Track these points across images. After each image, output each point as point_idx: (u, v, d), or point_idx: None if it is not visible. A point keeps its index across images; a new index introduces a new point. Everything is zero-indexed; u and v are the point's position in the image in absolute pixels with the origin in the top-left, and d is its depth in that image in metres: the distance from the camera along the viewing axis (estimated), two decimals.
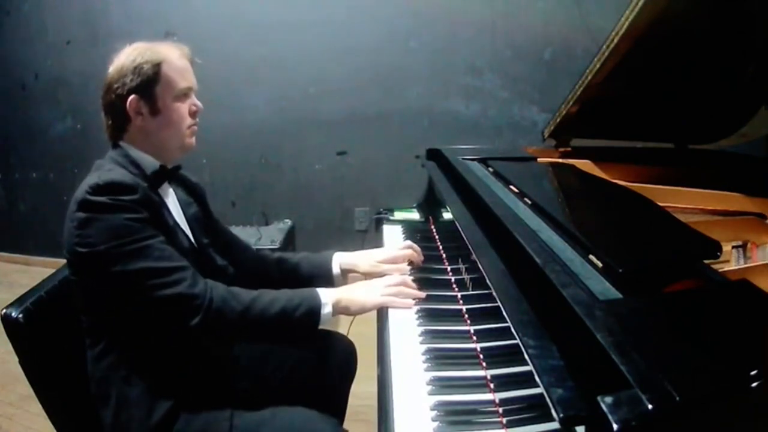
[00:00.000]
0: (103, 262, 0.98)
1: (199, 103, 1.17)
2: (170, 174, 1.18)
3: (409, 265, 1.32)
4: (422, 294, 1.15)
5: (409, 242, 1.35)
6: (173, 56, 1.11)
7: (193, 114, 1.15)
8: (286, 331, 1.09)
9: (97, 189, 0.99)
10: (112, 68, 1.11)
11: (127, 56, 1.10)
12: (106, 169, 1.06)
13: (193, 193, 1.29)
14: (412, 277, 1.23)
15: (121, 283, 0.99)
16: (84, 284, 1.04)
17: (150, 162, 1.13)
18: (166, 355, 1.06)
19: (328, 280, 1.32)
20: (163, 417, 1.03)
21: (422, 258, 1.34)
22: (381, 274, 1.25)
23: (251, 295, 1.05)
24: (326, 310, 1.09)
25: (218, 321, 1.01)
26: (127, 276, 0.98)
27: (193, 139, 1.17)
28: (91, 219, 0.99)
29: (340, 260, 1.33)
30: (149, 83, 1.08)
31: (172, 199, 1.20)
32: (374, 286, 1.17)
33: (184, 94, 1.13)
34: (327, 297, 1.10)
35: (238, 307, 1.02)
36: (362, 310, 1.14)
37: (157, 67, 1.09)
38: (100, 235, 0.98)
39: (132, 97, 1.08)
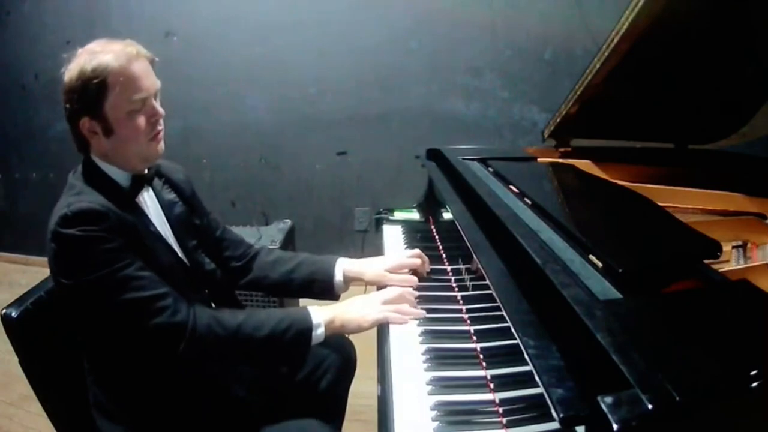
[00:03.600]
0: (81, 295, 0.97)
1: (159, 110, 1.06)
2: (146, 181, 1.12)
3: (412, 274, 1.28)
4: (422, 312, 1.11)
5: (418, 251, 1.31)
6: (121, 63, 1.00)
7: (152, 124, 1.05)
8: (276, 354, 1.07)
9: (66, 220, 0.94)
10: (64, 82, 1.03)
11: (74, 70, 1.01)
12: (75, 192, 1.01)
13: (177, 190, 1.22)
14: (411, 289, 1.19)
15: (102, 314, 0.97)
16: (73, 307, 1.03)
17: (121, 175, 1.07)
18: (159, 369, 1.04)
19: (328, 286, 1.29)
20: (161, 428, 1.03)
21: (428, 269, 1.29)
22: (386, 283, 1.23)
23: (237, 320, 1.02)
24: (318, 331, 1.06)
25: (203, 349, 0.99)
26: (107, 308, 0.96)
27: (159, 146, 1.08)
28: (64, 252, 0.96)
29: (344, 267, 1.29)
30: (97, 101, 1.00)
31: (152, 205, 1.14)
32: (371, 302, 1.12)
33: (138, 108, 1.02)
34: (319, 317, 1.06)
35: (223, 333, 0.99)
36: (359, 330, 1.10)
37: (103, 82, 0.98)
38: (75, 269, 0.95)
39: (83, 119, 1.02)
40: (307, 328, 1.05)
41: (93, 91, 0.99)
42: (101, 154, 1.06)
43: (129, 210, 1.04)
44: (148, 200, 1.14)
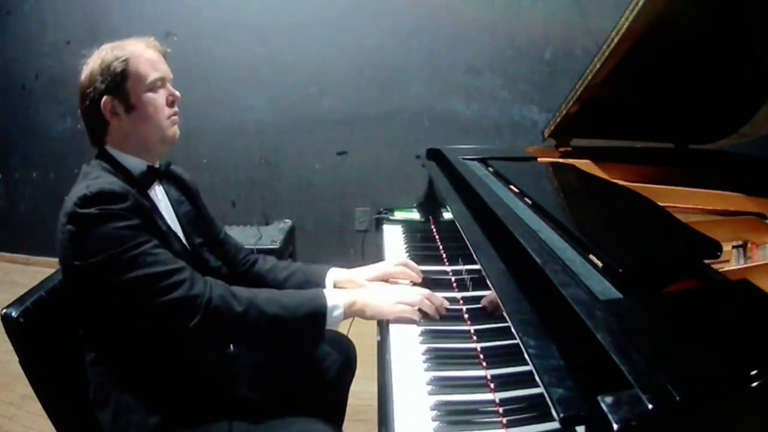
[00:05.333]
0: (99, 274, 0.97)
1: (176, 92, 1.14)
2: (159, 174, 1.16)
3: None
4: (443, 311, 1.09)
5: (404, 260, 1.30)
6: (140, 49, 1.09)
7: (170, 103, 1.13)
8: (289, 331, 1.05)
9: (85, 200, 0.96)
10: (83, 75, 1.09)
11: (95, 60, 1.08)
12: (93, 177, 1.03)
13: (185, 190, 1.26)
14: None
15: (120, 294, 0.97)
16: (78, 294, 1.03)
17: (136, 164, 1.11)
18: (162, 364, 1.05)
19: None
20: (161, 425, 1.03)
21: (419, 279, 1.26)
22: None
23: (251, 294, 1.03)
24: (336, 312, 1.05)
25: (217, 321, 0.99)
26: (125, 286, 0.96)
27: (175, 129, 1.14)
28: (82, 232, 0.96)
29: (334, 277, 1.29)
30: (120, 81, 1.07)
31: (163, 200, 1.18)
32: (393, 291, 1.12)
33: (157, 86, 1.10)
34: (338, 299, 1.06)
35: (237, 306, 1.00)
36: (378, 316, 1.09)
37: (124, 63, 1.07)
38: (93, 247, 0.96)
39: (105, 98, 1.06)
40: (321, 306, 1.04)
41: (116, 71, 1.06)
42: (120, 138, 1.10)
43: (143, 198, 1.07)
44: (159, 194, 1.17)
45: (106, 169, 1.07)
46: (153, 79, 1.09)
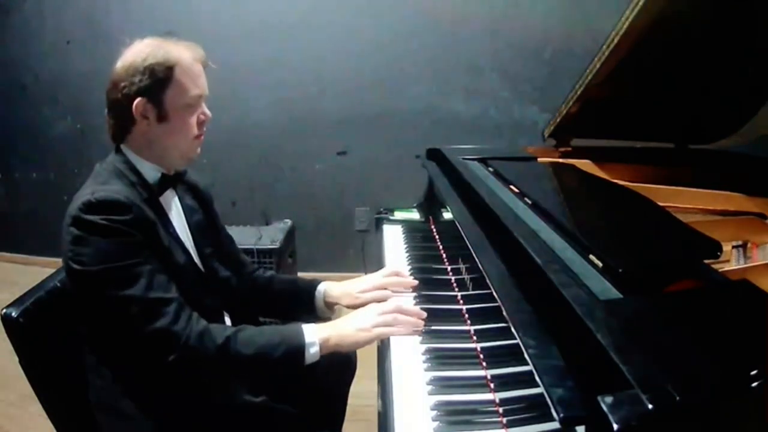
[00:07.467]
0: (92, 283, 0.96)
1: (208, 112, 1.12)
2: (173, 182, 1.14)
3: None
4: (420, 322, 1.05)
5: (394, 269, 1.27)
6: (187, 60, 1.06)
7: (200, 124, 1.11)
8: (266, 371, 1.04)
9: (89, 207, 0.96)
10: (121, 64, 1.05)
11: (138, 54, 1.04)
12: (101, 181, 1.02)
13: (199, 198, 1.25)
14: (412, 297, 1.16)
15: (107, 307, 0.97)
16: (79, 296, 1.03)
17: (151, 171, 1.09)
18: (160, 370, 1.02)
19: (310, 309, 1.27)
20: (160, 430, 1.02)
21: (413, 285, 1.22)
22: (363, 304, 1.16)
23: (227, 333, 0.99)
24: (313, 350, 1.01)
25: (194, 361, 0.97)
26: (113, 301, 0.95)
27: (198, 150, 1.13)
28: (83, 238, 0.96)
29: (324, 292, 1.27)
30: (159, 87, 1.03)
31: (175, 207, 1.16)
32: (366, 317, 1.06)
33: (194, 103, 1.08)
34: (314, 336, 1.02)
35: (212, 347, 0.97)
36: (355, 347, 1.06)
37: (169, 70, 1.03)
38: (91, 256, 0.95)
39: (139, 99, 1.03)
40: (299, 346, 1.01)
41: (159, 75, 1.03)
42: (141, 142, 1.07)
43: (152, 207, 1.05)
44: (171, 202, 1.15)
45: (117, 173, 1.05)
46: (193, 95, 1.07)
